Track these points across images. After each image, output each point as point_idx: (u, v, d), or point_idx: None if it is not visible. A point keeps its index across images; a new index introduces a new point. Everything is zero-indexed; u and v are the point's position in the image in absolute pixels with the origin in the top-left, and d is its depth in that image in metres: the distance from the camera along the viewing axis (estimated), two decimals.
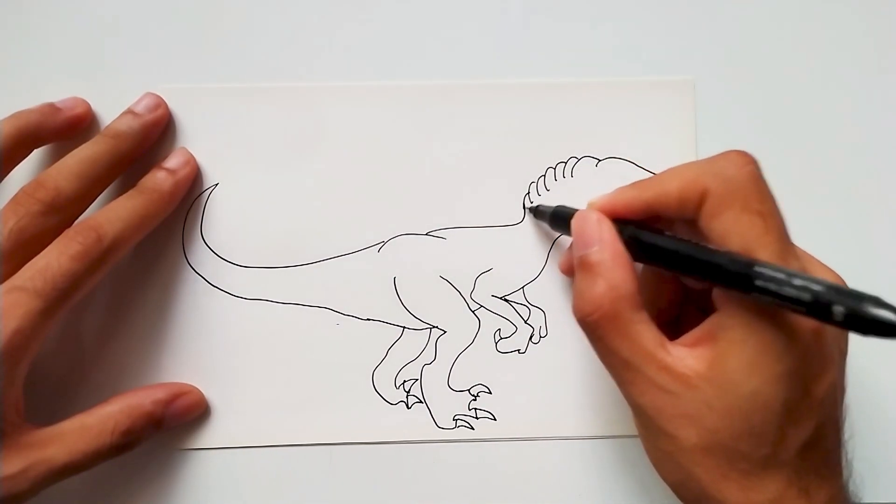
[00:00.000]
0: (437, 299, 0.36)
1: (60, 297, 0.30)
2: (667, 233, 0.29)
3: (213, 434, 0.36)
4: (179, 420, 0.35)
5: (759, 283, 0.25)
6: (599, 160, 0.36)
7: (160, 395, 0.34)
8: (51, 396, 0.35)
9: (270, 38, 0.37)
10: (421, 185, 0.36)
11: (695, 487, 0.28)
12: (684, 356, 0.27)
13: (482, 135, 0.36)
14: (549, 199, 0.36)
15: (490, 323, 0.36)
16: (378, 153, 0.36)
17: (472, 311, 0.36)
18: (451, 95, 0.37)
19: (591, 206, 0.31)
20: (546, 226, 0.35)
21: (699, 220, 0.28)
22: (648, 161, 0.36)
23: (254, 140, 0.36)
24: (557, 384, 0.36)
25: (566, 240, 0.36)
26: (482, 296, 0.36)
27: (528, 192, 0.36)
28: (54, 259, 0.31)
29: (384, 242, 0.36)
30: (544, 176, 0.36)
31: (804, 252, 0.29)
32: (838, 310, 0.22)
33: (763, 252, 0.26)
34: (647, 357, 0.28)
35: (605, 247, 0.29)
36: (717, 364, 0.27)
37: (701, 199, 0.28)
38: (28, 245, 0.31)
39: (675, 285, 0.32)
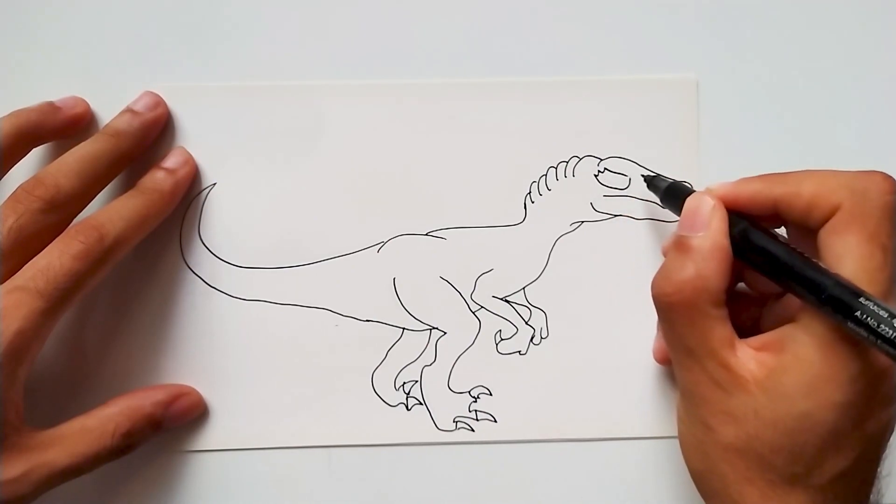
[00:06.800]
0: (438, 300, 0.36)
1: (62, 297, 0.30)
2: (780, 238, 0.28)
3: (211, 436, 0.36)
4: (179, 421, 0.35)
5: (859, 314, 0.24)
6: (601, 159, 0.36)
7: (160, 396, 0.34)
8: (49, 398, 0.35)
9: (269, 36, 0.36)
10: (421, 185, 0.36)
11: (716, 482, 0.28)
12: (748, 359, 0.27)
13: (483, 133, 0.36)
14: (551, 199, 0.36)
15: (491, 324, 0.36)
16: (377, 152, 0.36)
17: (473, 312, 0.36)
18: (451, 94, 0.36)
19: (710, 191, 0.30)
20: (552, 223, 0.35)
21: (819, 231, 0.27)
22: (651, 160, 0.36)
23: (252, 139, 0.36)
24: (558, 386, 0.36)
25: (568, 240, 0.36)
26: (483, 296, 0.36)
27: (530, 192, 0.36)
28: (56, 258, 0.30)
29: (384, 243, 0.36)
30: (545, 175, 0.36)
31: None
32: None
33: (871, 287, 0.25)
34: (710, 352, 0.28)
35: (710, 236, 0.28)
36: (777, 375, 0.27)
37: (831, 212, 0.27)
38: (27, 243, 0.31)
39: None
